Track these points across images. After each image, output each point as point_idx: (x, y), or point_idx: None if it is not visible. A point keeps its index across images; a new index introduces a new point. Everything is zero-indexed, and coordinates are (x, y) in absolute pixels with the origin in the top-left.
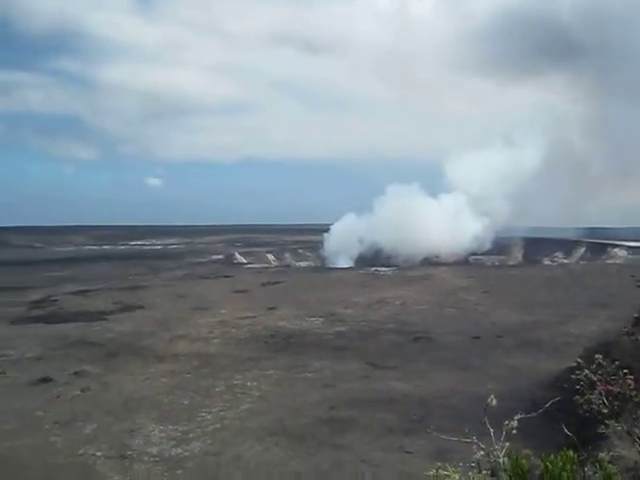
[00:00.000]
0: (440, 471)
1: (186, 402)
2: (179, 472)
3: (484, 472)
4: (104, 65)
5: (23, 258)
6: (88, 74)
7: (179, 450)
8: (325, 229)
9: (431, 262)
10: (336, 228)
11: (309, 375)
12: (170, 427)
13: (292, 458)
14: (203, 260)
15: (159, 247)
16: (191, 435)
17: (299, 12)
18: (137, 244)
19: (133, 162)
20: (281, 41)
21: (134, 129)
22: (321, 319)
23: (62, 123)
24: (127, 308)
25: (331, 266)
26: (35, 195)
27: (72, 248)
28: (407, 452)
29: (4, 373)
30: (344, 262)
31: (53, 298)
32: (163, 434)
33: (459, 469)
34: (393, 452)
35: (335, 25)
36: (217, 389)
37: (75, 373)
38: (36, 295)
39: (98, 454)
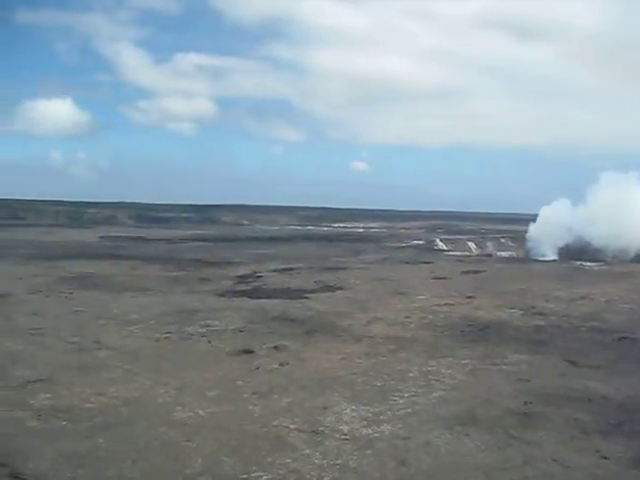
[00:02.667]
0: None
1: (379, 384)
2: (368, 452)
3: None
4: (314, 50)
5: (231, 235)
6: (298, 59)
7: (369, 431)
8: (530, 219)
9: None
10: (543, 217)
11: (504, 367)
12: (362, 407)
13: (482, 450)
14: (403, 245)
15: (361, 230)
16: (382, 417)
17: None
18: (339, 226)
19: (339, 145)
20: (492, 25)
21: (342, 113)
22: (520, 311)
23: (272, 106)
24: (327, 288)
25: (534, 257)
26: (245, 175)
27: (277, 227)
28: (603, 457)
29: (210, 343)
30: (548, 254)
31: (258, 274)
32: (355, 414)
33: None
34: (588, 455)
35: (549, 10)
36: (411, 374)
37: (275, 347)
38: (242, 270)
39: (291, 427)
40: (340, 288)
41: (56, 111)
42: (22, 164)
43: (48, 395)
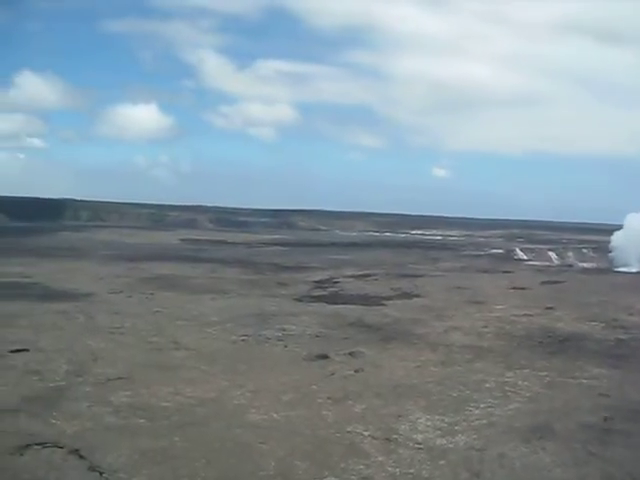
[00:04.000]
0: None
1: (454, 394)
2: (442, 462)
3: None
4: (395, 57)
5: (309, 240)
6: (379, 66)
7: (444, 441)
8: (612, 229)
9: None
10: (629, 225)
11: (584, 381)
12: (437, 417)
13: (558, 465)
14: (482, 253)
15: (439, 238)
16: (457, 427)
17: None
18: (417, 233)
19: (419, 152)
20: (571, 31)
21: (422, 119)
22: (601, 324)
23: (353, 112)
24: (404, 295)
25: (617, 269)
26: (324, 180)
27: (354, 233)
28: None
29: (286, 347)
30: (633, 264)
31: (335, 280)
32: (429, 423)
33: None
34: None
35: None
36: (487, 385)
37: (350, 353)
38: (319, 276)
39: (365, 434)
40: (417, 295)
41: (141, 116)
42: (107, 168)
43: (127, 393)
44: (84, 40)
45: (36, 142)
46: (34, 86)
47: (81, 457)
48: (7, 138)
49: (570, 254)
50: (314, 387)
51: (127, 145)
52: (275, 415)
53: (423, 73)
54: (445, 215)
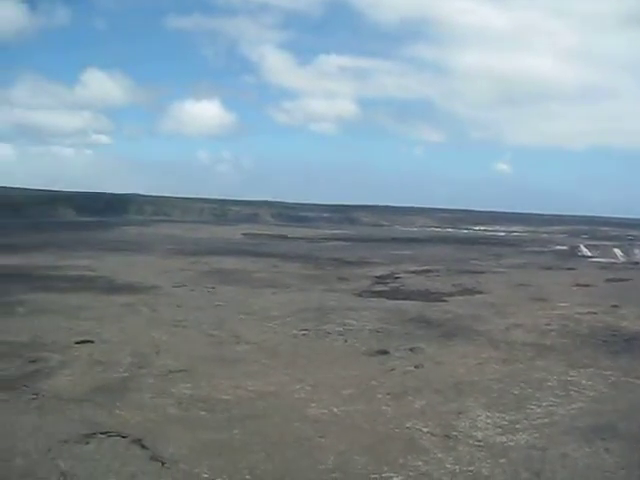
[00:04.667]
0: None
1: (516, 392)
2: (502, 461)
3: None
4: (457, 51)
5: (370, 235)
6: (440, 59)
7: (504, 439)
8: None
9: None
10: None
11: None
12: (497, 415)
13: (622, 467)
14: (545, 250)
15: (502, 234)
16: (517, 426)
17: None
18: (480, 229)
19: (482, 146)
20: (637, 23)
21: (484, 114)
22: None
23: (414, 107)
24: (465, 291)
25: None
26: (386, 176)
27: (415, 229)
28: None
29: (346, 341)
30: None
31: (396, 275)
32: (489, 420)
33: None
34: None
35: None
36: (549, 383)
37: (410, 349)
38: (380, 271)
39: (424, 430)
40: (479, 292)
41: (204, 112)
42: (170, 163)
43: (188, 385)
44: (149, 37)
45: (102, 138)
46: (100, 83)
47: (143, 447)
48: (74, 135)
49: (636, 251)
50: (374, 382)
51: (190, 141)
52: (335, 409)
53: (485, 66)
54: (508, 210)
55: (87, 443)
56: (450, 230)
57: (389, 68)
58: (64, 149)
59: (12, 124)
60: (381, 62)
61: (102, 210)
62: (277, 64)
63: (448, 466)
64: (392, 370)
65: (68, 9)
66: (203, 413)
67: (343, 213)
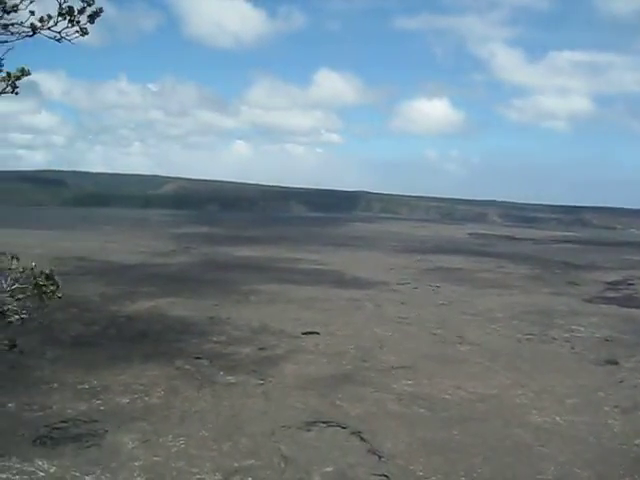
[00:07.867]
0: None
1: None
2: None
3: None
4: None
5: (602, 238)
6: None
7: None
8: None
9: None
10: None
11: None
12: None
13: None
14: None
15: None
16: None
17: None
18: None
19: None
20: None
21: None
22: None
23: None
24: None
25: None
26: (623, 176)
27: None
28: None
29: (573, 349)
30: None
31: (629, 282)
32: None
33: None
34: None
35: None
36: None
37: None
38: (612, 277)
39: None
40: None
41: (432, 111)
42: (398, 161)
43: (409, 382)
44: (378, 37)
45: (333, 137)
46: (332, 83)
47: (362, 439)
48: (307, 133)
49: None
50: (601, 394)
51: (418, 139)
52: (558, 418)
53: None
54: None
55: (308, 430)
56: None
57: (627, 62)
58: (297, 147)
59: (250, 124)
60: (617, 56)
61: (331, 206)
62: (507, 61)
63: None
64: (621, 382)
65: (302, 12)
66: (423, 411)
67: (573, 214)
